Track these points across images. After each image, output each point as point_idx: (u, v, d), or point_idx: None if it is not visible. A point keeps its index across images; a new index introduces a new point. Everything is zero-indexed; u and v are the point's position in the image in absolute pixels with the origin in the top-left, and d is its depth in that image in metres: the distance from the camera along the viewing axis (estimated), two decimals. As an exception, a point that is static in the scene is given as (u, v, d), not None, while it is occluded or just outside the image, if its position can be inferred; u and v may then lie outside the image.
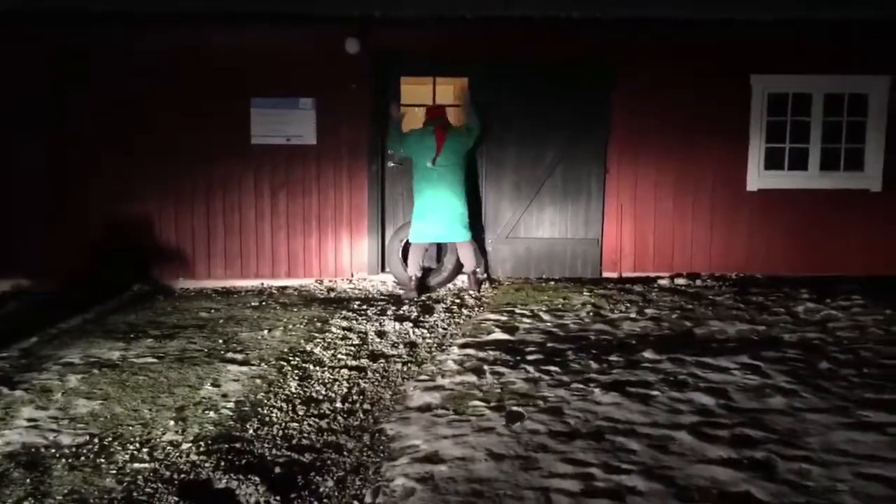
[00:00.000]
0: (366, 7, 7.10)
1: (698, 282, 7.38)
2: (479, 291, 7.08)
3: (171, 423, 3.91)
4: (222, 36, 7.38)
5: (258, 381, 4.57)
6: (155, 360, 4.95)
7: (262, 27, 7.34)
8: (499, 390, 4.27)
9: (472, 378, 4.48)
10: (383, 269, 7.68)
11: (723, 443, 3.49)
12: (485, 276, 7.52)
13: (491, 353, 4.99)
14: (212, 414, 4.04)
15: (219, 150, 7.47)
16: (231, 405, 4.17)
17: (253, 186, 7.53)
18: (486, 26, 7.37)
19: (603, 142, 7.59)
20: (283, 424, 3.91)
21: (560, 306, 6.40)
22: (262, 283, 7.59)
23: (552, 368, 4.61)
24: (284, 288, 7.44)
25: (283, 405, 4.18)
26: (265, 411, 4.08)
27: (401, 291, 7.18)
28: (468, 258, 7.12)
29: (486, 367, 4.66)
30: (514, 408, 3.97)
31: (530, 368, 4.62)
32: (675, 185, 7.69)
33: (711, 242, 7.75)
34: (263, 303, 6.76)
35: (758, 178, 7.69)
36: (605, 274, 7.76)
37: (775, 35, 7.49)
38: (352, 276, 7.67)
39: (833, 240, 7.74)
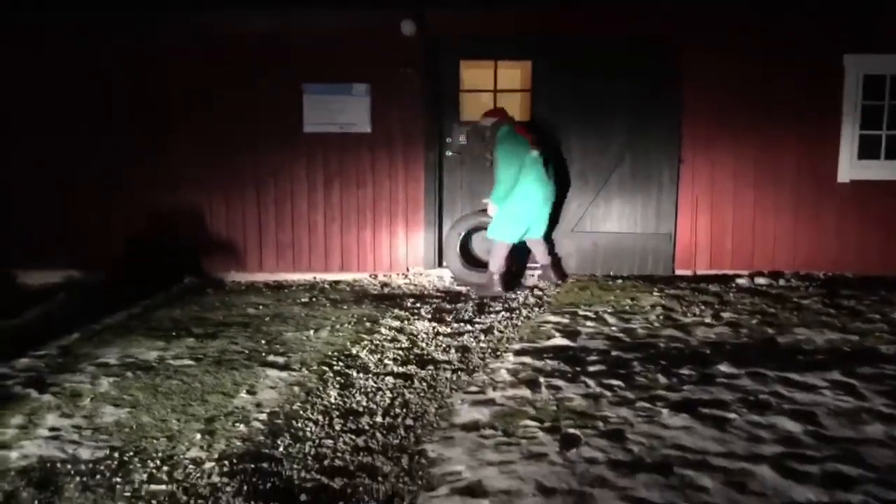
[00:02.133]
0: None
1: (781, 282, 6.77)
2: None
3: (198, 436, 3.62)
4: (271, 20, 7.08)
5: (296, 388, 4.26)
6: (192, 363, 4.69)
7: (314, 10, 7.01)
8: (554, 408, 3.85)
9: (526, 392, 4.06)
10: (440, 264, 7.32)
11: (812, 482, 3.00)
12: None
13: (549, 361, 4.57)
14: (242, 427, 3.74)
15: (270, 139, 7.22)
16: (264, 417, 3.86)
17: (305, 176, 7.25)
18: (550, 6, 6.89)
19: (675, 128, 7.04)
20: (317, 441, 3.58)
21: (627, 308, 5.92)
22: (315, 277, 7.31)
23: (615, 382, 4.16)
24: (337, 282, 7.15)
25: (320, 418, 3.85)
26: (299, 424, 3.76)
27: (460, 287, 6.81)
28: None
29: (541, 380, 4.25)
30: (571, 430, 3.54)
31: (591, 382, 4.18)
32: (756, 175, 7.08)
33: (796, 238, 7.12)
34: (313, 298, 6.48)
35: (850, 168, 7.01)
36: (678, 271, 7.22)
37: (872, 8, 6.79)
38: (407, 270, 7.33)
39: (934, 237, 7.03)
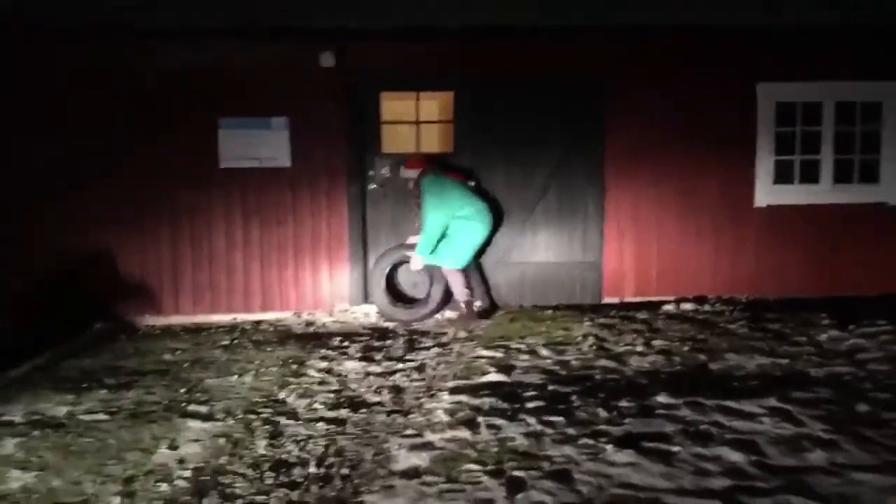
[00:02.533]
0: (341, 18, 6.57)
1: (706, 307, 6.84)
2: (473, 322, 6.56)
3: (117, 499, 3.33)
4: (187, 51, 6.82)
5: (222, 440, 4.00)
6: (106, 417, 4.37)
7: (231, 41, 6.79)
8: (496, 449, 3.70)
9: (466, 433, 3.91)
10: (366, 300, 7.12)
11: (765, 515, 2.94)
12: (479, 305, 6.90)
13: (486, 399, 4.43)
14: (164, 486, 3.46)
15: (185, 174, 6.90)
16: (188, 473, 3.59)
17: (223, 214, 6.97)
18: (471, 37, 6.88)
19: (598, 159, 7.09)
20: (248, 498, 3.34)
21: (560, 339, 5.85)
22: (235, 318, 7.01)
23: (556, 419, 4.05)
24: (259, 323, 6.86)
25: (249, 471, 3.61)
26: (227, 480, 3.51)
27: (387, 324, 6.64)
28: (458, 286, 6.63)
29: (480, 419, 4.10)
30: (515, 472, 3.41)
31: (531, 420, 4.05)
32: (677, 202, 7.18)
33: (718, 263, 7.23)
34: (235, 341, 6.19)
35: (766, 193, 7.18)
36: (606, 299, 7.22)
37: (782, 40, 7.02)
38: (332, 308, 7.10)
39: (848, 258, 7.24)
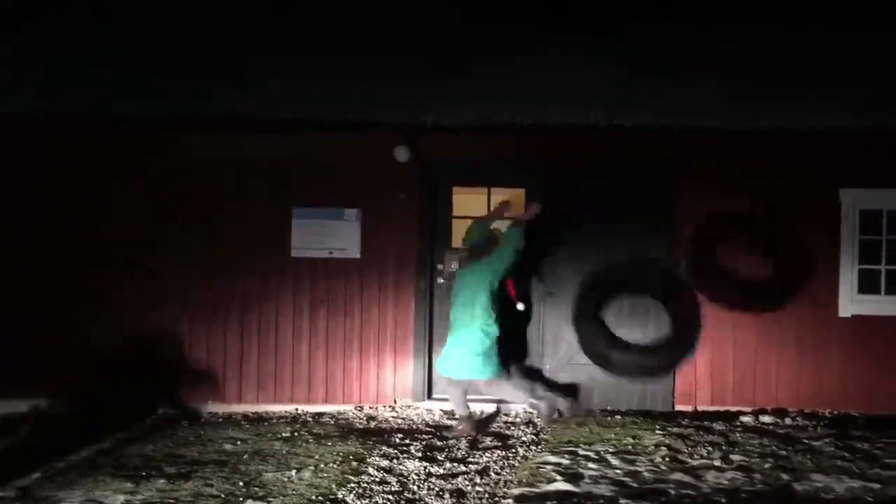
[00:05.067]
0: (416, 114, 6.68)
1: (787, 420, 6.48)
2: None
3: None
4: (263, 140, 7.00)
5: (277, 540, 3.85)
6: (163, 509, 4.28)
7: (307, 133, 6.95)
8: (566, 569, 3.47)
9: (533, 549, 3.69)
10: (430, 396, 6.97)
11: None
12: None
13: (553, 511, 4.21)
14: (216, 589, 3.32)
15: (256, 262, 6.98)
16: (241, 578, 3.45)
17: (291, 302, 6.99)
18: (544, 134, 6.87)
19: (670, 261, 6.89)
20: None
21: (630, 448, 5.58)
22: (297, 409, 6.92)
23: (629, 538, 3.81)
24: (320, 415, 6.75)
25: (304, 578, 3.45)
26: (281, 586, 3.35)
27: (450, 422, 6.45)
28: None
29: (548, 534, 3.88)
30: None
31: (603, 537, 3.81)
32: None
33: (800, 375, 6.87)
34: (296, 433, 6.08)
35: (850, 303, 6.86)
36: (678, 407, 6.91)
37: (866, 144, 6.83)
38: (395, 402, 6.97)
39: (942, 373, 6.81)
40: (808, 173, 6.92)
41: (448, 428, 6.28)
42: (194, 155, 7.03)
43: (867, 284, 6.90)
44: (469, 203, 7.51)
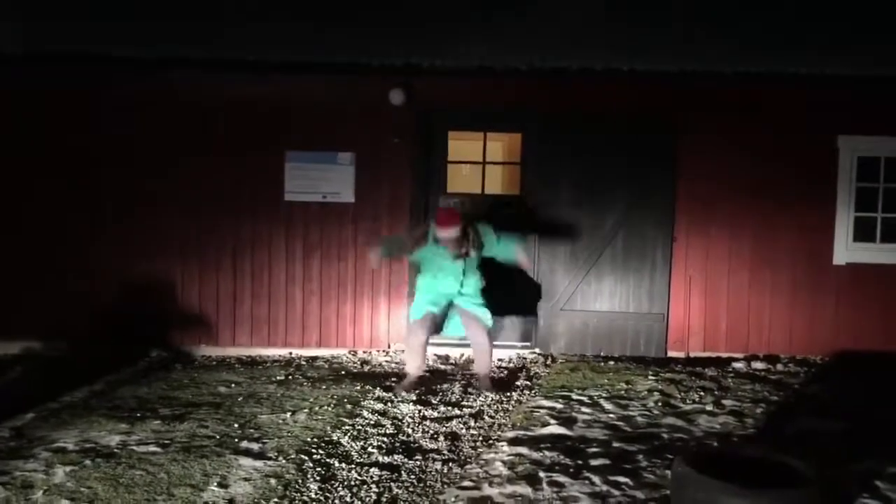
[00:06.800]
0: (411, 56, 6.55)
1: (779, 366, 6.52)
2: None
3: (163, 538, 3.23)
4: (257, 85, 6.85)
5: (273, 480, 3.87)
6: (158, 449, 4.27)
7: (301, 77, 6.81)
8: (559, 509, 3.50)
9: (527, 489, 3.72)
10: (424, 341, 6.97)
11: None
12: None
13: (547, 453, 4.23)
14: (212, 527, 3.35)
15: (249, 206, 6.92)
16: (237, 515, 3.47)
17: (284, 247, 6.94)
18: (542, 78, 6.75)
19: (669, 207, 6.86)
20: (297, 545, 3.19)
21: (623, 393, 5.61)
22: (291, 353, 6.93)
23: (622, 480, 3.83)
24: (314, 359, 6.77)
25: (299, 517, 3.47)
26: (276, 525, 3.38)
27: (444, 366, 6.46)
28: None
29: (541, 474, 3.90)
30: (581, 537, 3.20)
31: (596, 479, 3.84)
32: (751, 256, 6.91)
33: (792, 321, 6.91)
34: (290, 376, 6.09)
35: (846, 250, 6.87)
36: (671, 353, 6.95)
37: (865, 91, 6.76)
38: (389, 347, 6.98)
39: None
40: (805, 119, 6.86)
41: (443, 372, 6.31)
42: (186, 99, 6.88)
43: (862, 233, 6.89)
44: (464, 148, 7.44)
